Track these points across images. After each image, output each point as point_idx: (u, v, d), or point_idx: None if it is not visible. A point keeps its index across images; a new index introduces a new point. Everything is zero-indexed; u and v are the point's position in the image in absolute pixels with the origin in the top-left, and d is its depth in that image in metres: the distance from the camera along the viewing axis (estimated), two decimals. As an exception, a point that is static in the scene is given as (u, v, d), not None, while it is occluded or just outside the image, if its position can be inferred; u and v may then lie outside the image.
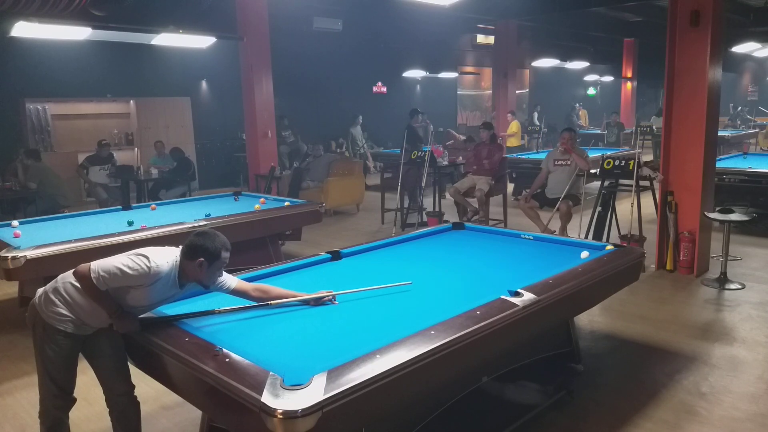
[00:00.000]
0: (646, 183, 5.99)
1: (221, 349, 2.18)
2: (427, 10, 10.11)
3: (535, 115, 16.36)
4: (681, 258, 5.61)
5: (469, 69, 17.75)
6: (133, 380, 2.68)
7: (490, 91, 17.64)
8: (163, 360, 2.34)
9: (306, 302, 2.81)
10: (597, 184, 6.53)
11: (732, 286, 5.22)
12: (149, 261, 2.39)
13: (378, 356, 2.09)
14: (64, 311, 2.46)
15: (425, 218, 7.71)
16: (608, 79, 19.66)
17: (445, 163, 9.08)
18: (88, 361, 2.63)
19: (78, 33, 7.37)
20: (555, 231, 6.20)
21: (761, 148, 14.14)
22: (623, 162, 5.89)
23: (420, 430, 2.57)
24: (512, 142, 12.90)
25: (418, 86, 16.49)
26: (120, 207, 6.24)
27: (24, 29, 6.65)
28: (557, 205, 6.37)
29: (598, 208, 6.03)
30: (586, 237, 5.88)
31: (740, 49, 14.38)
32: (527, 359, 3.21)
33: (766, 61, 21.78)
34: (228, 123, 12.42)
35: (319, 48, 12.35)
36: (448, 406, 2.70)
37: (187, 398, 2.42)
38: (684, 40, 5.40)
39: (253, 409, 1.83)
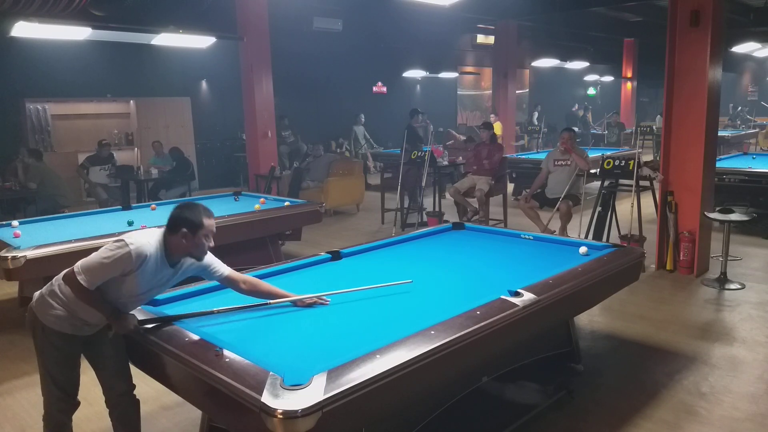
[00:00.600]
0: (646, 183, 5.99)
1: (221, 349, 2.18)
2: (427, 10, 10.10)
3: (536, 115, 16.36)
4: (681, 258, 5.61)
5: (469, 69, 17.75)
6: (134, 380, 2.67)
7: (490, 91, 17.64)
8: (163, 360, 2.33)
9: (295, 303, 2.78)
10: (597, 184, 6.53)
11: (732, 286, 5.22)
12: (126, 243, 2.34)
13: (378, 356, 2.09)
14: (61, 313, 2.42)
15: (425, 218, 7.71)
16: (608, 79, 19.66)
17: (445, 163, 9.08)
18: (89, 362, 2.61)
19: (78, 33, 7.37)
20: (555, 231, 6.20)
21: (761, 148, 14.14)
22: (623, 162, 5.88)
23: (420, 430, 2.57)
24: None
25: (418, 86, 16.49)
26: (120, 207, 6.24)
27: (24, 29, 6.65)
28: (557, 205, 6.37)
29: (598, 208, 6.03)
30: (586, 237, 5.88)
31: (740, 49, 14.36)
32: (527, 359, 3.21)
33: (766, 61, 21.77)
34: (228, 123, 12.43)
35: (319, 48, 12.35)
36: (448, 406, 2.71)
37: (187, 398, 2.42)
38: (684, 40, 5.40)
39: (253, 409, 1.83)
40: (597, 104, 20.73)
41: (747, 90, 23.09)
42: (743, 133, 14.72)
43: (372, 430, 2.20)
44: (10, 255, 3.89)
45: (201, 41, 8.68)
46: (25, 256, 3.91)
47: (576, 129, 10.84)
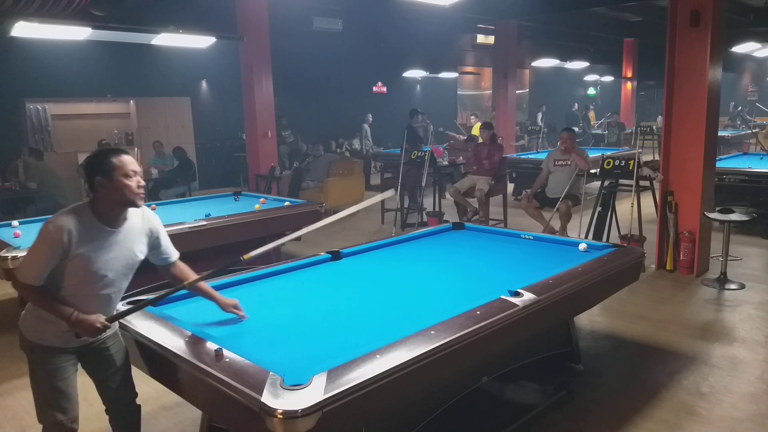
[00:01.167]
0: (646, 183, 5.99)
1: (221, 349, 2.17)
2: (427, 10, 10.09)
3: (539, 115, 16.34)
4: (681, 258, 5.61)
5: (469, 69, 17.76)
6: (133, 380, 2.65)
7: (490, 91, 17.64)
8: (163, 360, 2.33)
9: (219, 303, 2.62)
10: (597, 184, 6.53)
11: (732, 286, 5.22)
12: (46, 224, 2.17)
13: (378, 356, 2.09)
14: (43, 324, 2.26)
15: (425, 218, 7.71)
16: (608, 79, 19.66)
17: (445, 163, 9.08)
18: (90, 376, 2.47)
19: (78, 33, 7.36)
20: (557, 230, 6.21)
21: (761, 148, 14.12)
22: (623, 162, 5.89)
23: (420, 430, 2.57)
24: None
25: (418, 86, 16.50)
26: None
27: (24, 29, 6.64)
28: (557, 205, 6.38)
29: (598, 208, 6.03)
30: (586, 237, 5.87)
31: (740, 49, 14.36)
32: (527, 359, 3.21)
33: (766, 61, 21.75)
34: (228, 123, 12.42)
35: (319, 48, 12.35)
36: (448, 406, 2.71)
37: (187, 398, 2.42)
38: (684, 40, 5.40)
39: (253, 409, 1.83)
40: (597, 104, 20.73)
41: (747, 90, 23.08)
42: (743, 133, 14.71)
43: (372, 430, 2.20)
44: (10, 255, 3.89)
45: (201, 41, 8.67)
46: (25, 256, 3.91)
47: (576, 129, 10.85)
